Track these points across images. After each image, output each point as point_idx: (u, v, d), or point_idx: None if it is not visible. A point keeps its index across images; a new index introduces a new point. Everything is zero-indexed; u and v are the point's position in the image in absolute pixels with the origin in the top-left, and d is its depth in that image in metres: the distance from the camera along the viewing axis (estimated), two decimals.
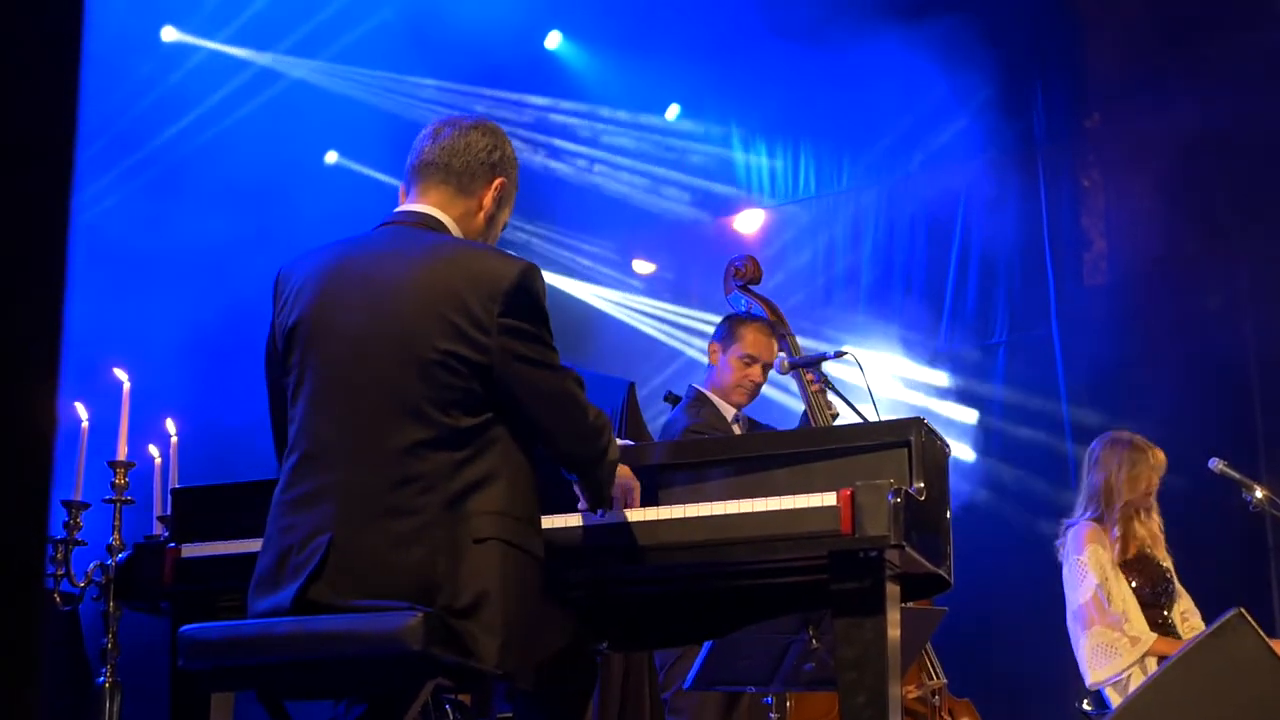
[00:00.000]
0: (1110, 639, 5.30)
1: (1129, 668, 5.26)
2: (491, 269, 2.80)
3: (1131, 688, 5.11)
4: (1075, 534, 5.51)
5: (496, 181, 2.99)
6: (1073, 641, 5.49)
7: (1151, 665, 5.24)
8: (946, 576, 3.15)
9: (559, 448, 2.84)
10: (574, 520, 3.05)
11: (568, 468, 2.90)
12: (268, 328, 2.97)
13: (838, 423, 4.48)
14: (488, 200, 2.99)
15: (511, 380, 2.77)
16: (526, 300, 2.78)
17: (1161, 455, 5.58)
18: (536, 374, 2.78)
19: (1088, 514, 5.56)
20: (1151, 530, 5.56)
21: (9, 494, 0.98)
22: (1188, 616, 5.52)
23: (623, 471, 2.99)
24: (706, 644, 4.05)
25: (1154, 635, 5.33)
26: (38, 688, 1.00)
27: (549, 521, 3.03)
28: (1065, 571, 5.51)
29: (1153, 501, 5.58)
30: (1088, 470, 5.63)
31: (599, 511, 2.99)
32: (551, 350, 2.82)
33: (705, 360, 5.27)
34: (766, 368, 5.04)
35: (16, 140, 1.04)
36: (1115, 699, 5.29)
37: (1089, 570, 5.38)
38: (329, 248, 2.95)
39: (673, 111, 8.69)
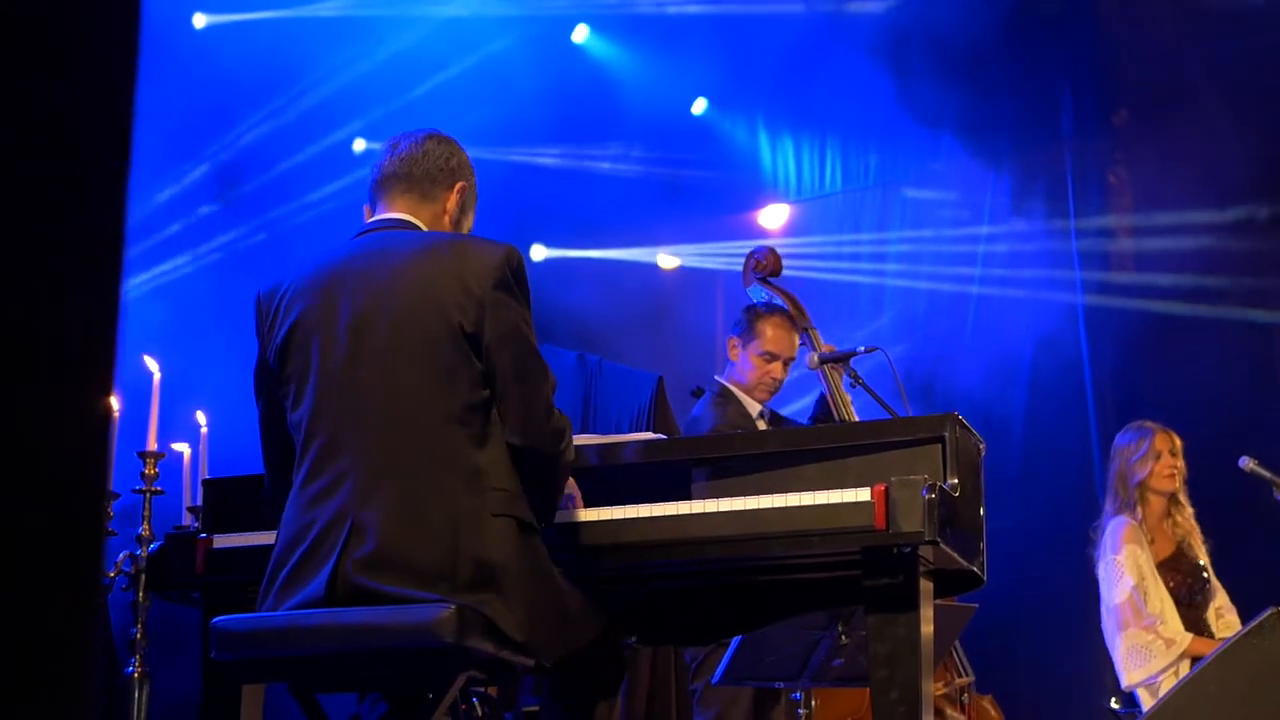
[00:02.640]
0: (1145, 641, 5.29)
1: (1164, 670, 5.24)
2: (479, 249, 2.87)
3: (1164, 691, 5.09)
4: (1113, 531, 5.51)
5: (458, 186, 3.08)
6: (1107, 641, 5.49)
7: (1185, 668, 5.21)
8: (979, 573, 3.14)
9: (520, 433, 2.83)
10: (604, 513, 3.05)
11: (524, 459, 2.87)
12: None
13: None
14: (451, 204, 3.07)
15: (496, 356, 2.80)
16: (513, 277, 2.85)
17: (1176, 437, 5.60)
18: (517, 352, 2.82)
19: (1114, 507, 5.56)
20: (1183, 524, 5.55)
21: (67, 485, 0.98)
22: (1223, 613, 5.50)
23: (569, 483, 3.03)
24: (735, 639, 4.04)
25: (1189, 636, 5.31)
26: (94, 675, 1.00)
27: (581, 514, 3.03)
28: (1100, 569, 5.50)
29: (1178, 487, 5.58)
30: (1110, 464, 5.67)
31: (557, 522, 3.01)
32: (531, 333, 2.87)
33: None
34: (787, 363, 4.95)
35: (75, 134, 1.03)
36: (1146, 699, 5.27)
37: (1125, 571, 5.38)
38: (309, 261, 2.99)
39: (699, 105, 8.68)
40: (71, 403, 0.99)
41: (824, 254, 8.67)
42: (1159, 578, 5.41)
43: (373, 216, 3.07)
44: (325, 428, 2.82)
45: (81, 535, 0.99)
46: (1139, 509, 5.53)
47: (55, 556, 0.96)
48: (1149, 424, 5.68)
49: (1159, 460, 5.54)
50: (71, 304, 1.01)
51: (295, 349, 2.88)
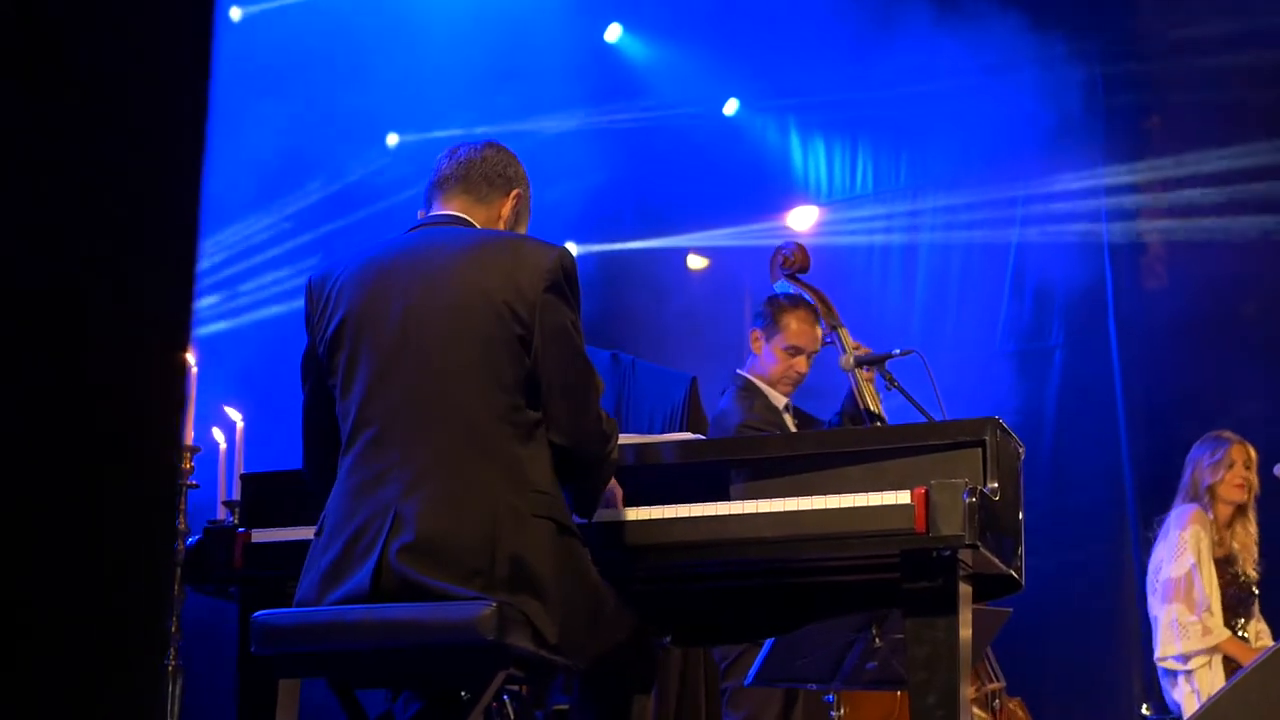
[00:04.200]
0: (1186, 620, 5.35)
1: (1194, 653, 5.29)
2: (534, 250, 2.88)
3: (1197, 680, 5.13)
4: (1180, 514, 5.59)
5: (513, 193, 3.09)
6: (1149, 611, 5.55)
7: (1218, 663, 5.27)
8: (1018, 577, 3.13)
9: (567, 435, 2.84)
10: (642, 514, 3.05)
11: (570, 461, 2.88)
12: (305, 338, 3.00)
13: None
14: (506, 210, 3.08)
15: (545, 359, 2.81)
16: (565, 280, 2.86)
17: (1252, 450, 5.64)
18: (566, 355, 2.83)
19: (1183, 500, 5.64)
20: (1242, 537, 5.59)
21: (143, 465, 0.98)
22: (1261, 636, 5.53)
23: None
24: (768, 641, 4.03)
25: (1227, 633, 5.36)
26: (163, 655, 1.01)
27: (620, 514, 3.03)
28: (1162, 546, 5.58)
29: (1247, 499, 5.61)
30: (1183, 472, 5.72)
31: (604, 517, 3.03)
32: (580, 338, 2.88)
33: None
34: (811, 357, 4.91)
35: (155, 106, 1.03)
36: (1183, 702, 5.27)
37: (1188, 548, 5.45)
38: (362, 251, 3.00)
39: (731, 106, 8.67)
40: (149, 376, 0.99)
41: (855, 230, 8.68)
42: (1214, 569, 5.47)
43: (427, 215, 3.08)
44: (374, 419, 2.82)
45: (157, 518, 0.99)
46: (1206, 505, 5.60)
47: (133, 525, 0.96)
48: (1227, 434, 5.76)
49: (1232, 469, 5.63)
50: (149, 287, 1.02)
51: (346, 338, 2.88)
